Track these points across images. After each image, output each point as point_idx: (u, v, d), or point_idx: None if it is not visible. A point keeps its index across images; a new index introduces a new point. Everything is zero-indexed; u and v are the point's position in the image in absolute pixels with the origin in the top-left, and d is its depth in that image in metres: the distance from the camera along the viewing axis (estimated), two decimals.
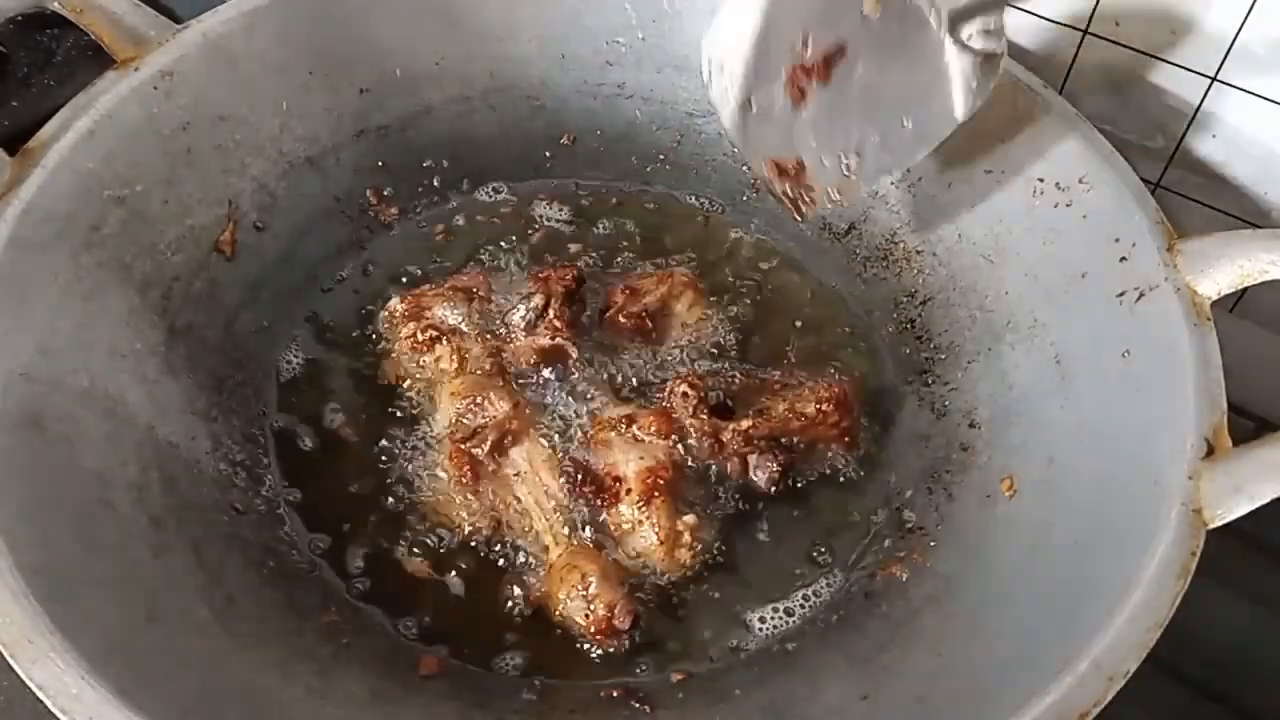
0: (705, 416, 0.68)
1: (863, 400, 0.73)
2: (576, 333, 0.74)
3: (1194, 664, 0.66)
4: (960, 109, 0.66)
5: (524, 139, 0.87)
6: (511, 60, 0.85)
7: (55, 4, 0.70)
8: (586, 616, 0.62)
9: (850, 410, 0.71)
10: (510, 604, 0.65)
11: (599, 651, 0.63)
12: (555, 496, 0.67)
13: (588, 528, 0.66)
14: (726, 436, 0.68)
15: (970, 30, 0.65)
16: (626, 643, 0.63)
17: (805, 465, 0.71)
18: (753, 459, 0.68)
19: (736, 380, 0.73)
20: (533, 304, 0.73)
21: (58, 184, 0.64)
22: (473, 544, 0.67)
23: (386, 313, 0.77)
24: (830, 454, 0.71)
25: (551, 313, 0.73)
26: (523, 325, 0.73)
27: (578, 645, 0.64)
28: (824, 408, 0.69)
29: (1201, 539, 0.53)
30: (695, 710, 0.61)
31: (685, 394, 0.69)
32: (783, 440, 0.69)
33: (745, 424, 0.68)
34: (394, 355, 0.75)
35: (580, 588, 0.62)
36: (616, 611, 0.62)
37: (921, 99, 0.66)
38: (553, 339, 0.73)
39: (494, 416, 0.69)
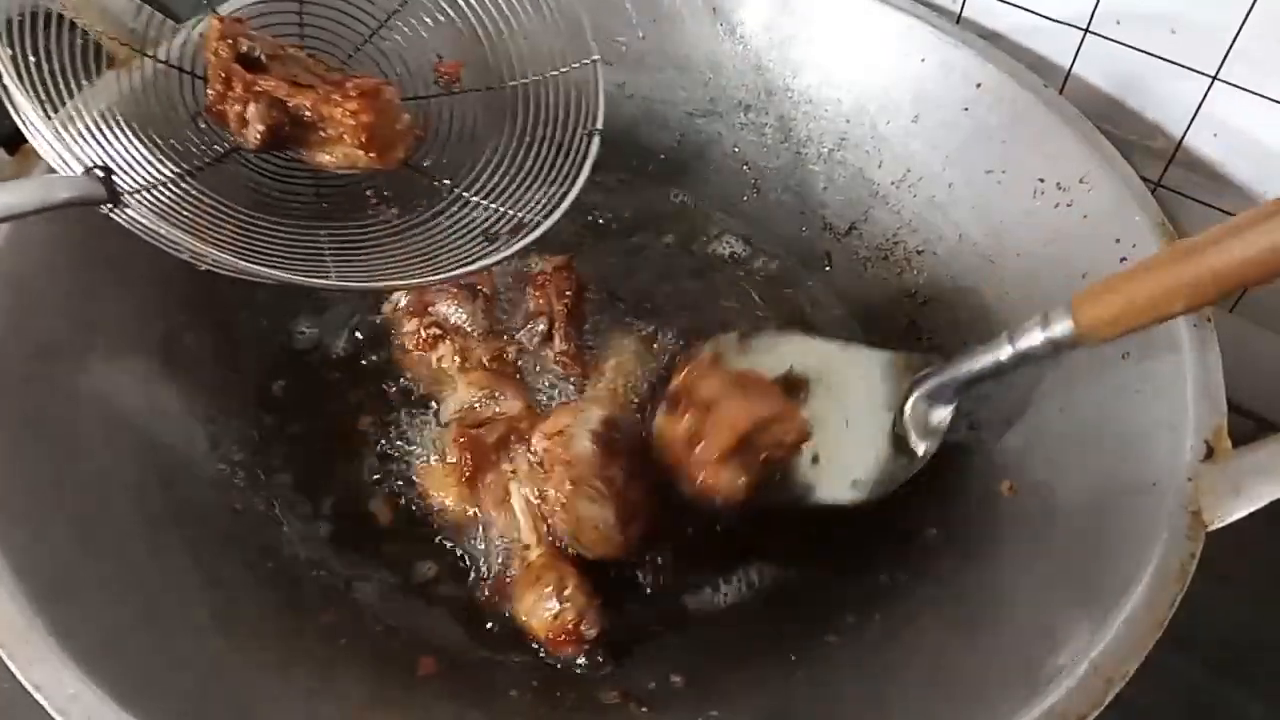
0: (227, 56, 0.65)
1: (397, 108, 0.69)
2: (581, 358, 0.74)
3: (1194, 664, 0.66)
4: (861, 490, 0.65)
5: None
6: (510, 58, 0.85)
7: (55, 4, 0.69)
8: (555, 618, 0.61)
9: (379, 110, 0.67)
10: (485, 598, 0.66)
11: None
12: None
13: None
14: (238, 85, 0.65)
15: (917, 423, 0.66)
16: (583, 656, 0.62)
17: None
18: (251, 109, 0.65)
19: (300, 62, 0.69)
20: (539, 329, 0.73)
21: None
22: (459, 533, 0.68)
23: (389, 306, 0.77)
24: None
25: (558, 340, 0.74)
26: (531, 347, 0.75)
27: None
28: (350, 99, 0.66)
29: (1201, 541, 0.52)
30: (694, 713, 0.61)
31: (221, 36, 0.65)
32: (293, 112, 0.66)
33: (266, 81, 0.65)
34: (398, 349, 0.75)
35: (554, 590, 0.62)
36: (586, 618, 0.61)
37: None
38: (562, 368, 0.74)
39: (505, 413, 0.69)
